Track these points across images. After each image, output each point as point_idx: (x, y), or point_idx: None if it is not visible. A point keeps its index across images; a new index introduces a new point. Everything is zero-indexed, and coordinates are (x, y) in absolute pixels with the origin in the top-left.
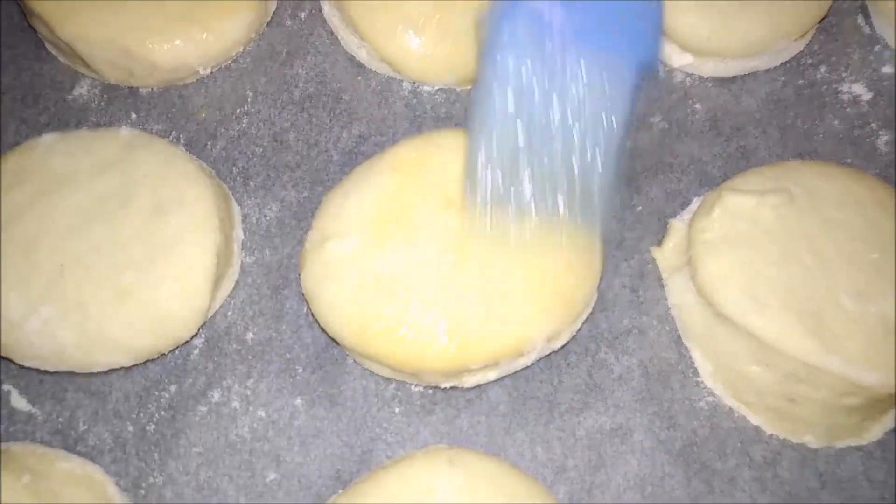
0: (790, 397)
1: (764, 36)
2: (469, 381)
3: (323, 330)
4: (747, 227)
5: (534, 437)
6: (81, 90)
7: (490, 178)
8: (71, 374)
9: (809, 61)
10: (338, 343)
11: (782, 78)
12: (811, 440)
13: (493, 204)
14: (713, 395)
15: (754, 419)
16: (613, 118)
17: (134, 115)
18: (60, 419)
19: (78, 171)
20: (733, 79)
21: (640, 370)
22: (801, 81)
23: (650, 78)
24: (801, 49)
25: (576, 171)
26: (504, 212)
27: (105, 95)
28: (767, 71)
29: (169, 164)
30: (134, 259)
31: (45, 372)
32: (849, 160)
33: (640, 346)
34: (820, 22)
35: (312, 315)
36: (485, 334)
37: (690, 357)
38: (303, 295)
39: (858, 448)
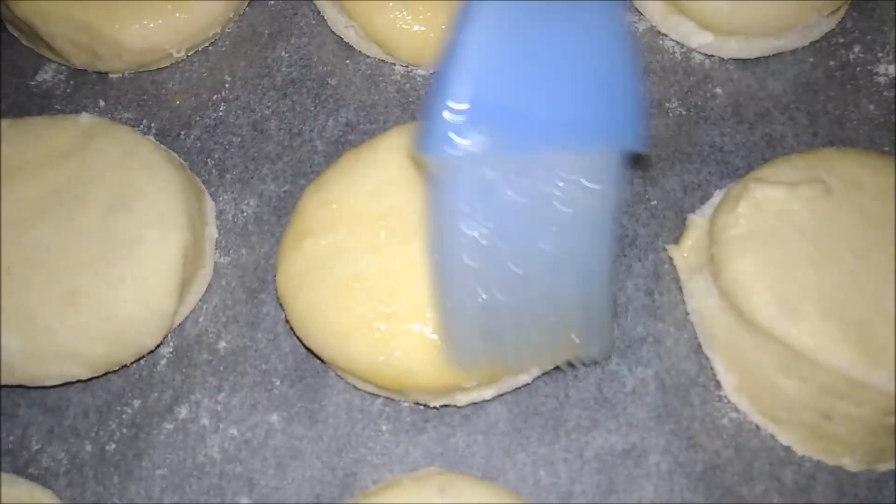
0: (827, 414)
1: (792, 11)
2: (462, 399)
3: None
4: (777, 223)
5: (537, 459)
6: (45, 76)
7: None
8: (24, 388)
9: (842, 40)
10: (315, 354)
11: (811, 59)
12: (849, 463)
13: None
14: (738, 410)
15: (785, 438)
16: (603, 235)
17: (102, 103)
18: (11, 438)
19: (29, 161)
20: (757, 60)
21: (656, 383)
22: (832, 62)
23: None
24: (833, 27)
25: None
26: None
27: (71, 81)
28: (795, 51)
29: (131, 154)
30: (89, 258)
31: None
32: (886, 148)
33: (655, 356)
34: None
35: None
36: None
37: (712, 368)
38: None
39: None
